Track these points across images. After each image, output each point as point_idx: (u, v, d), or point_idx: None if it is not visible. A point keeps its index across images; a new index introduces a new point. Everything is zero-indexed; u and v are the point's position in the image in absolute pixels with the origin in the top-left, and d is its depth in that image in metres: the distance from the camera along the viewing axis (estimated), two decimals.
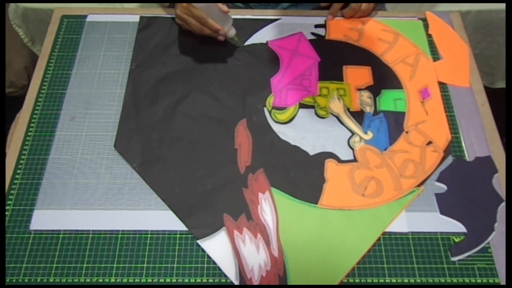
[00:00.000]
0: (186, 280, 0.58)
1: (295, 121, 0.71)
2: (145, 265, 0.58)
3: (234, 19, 0.79)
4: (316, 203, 0.63)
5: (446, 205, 0.63)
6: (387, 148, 0.68)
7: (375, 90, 0.74)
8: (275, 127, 0.70)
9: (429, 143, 0.69)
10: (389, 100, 0.73)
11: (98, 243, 0.60)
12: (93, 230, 0.61)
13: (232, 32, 0.76)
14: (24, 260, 0.59)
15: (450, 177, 0.65)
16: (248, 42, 0.80)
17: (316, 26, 0.82)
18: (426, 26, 0.82)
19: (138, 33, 0.81)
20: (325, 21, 0.83)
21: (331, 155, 0.67)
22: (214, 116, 0.71)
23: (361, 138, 0.69)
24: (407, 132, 0.70)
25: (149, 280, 0.58)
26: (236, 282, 0.57)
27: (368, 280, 0.58)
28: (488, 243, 0.60)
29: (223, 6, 0.72)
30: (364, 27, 0.82)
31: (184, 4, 0.72)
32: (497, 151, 0.68)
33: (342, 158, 0.67)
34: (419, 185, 0.65)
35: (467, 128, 0.70)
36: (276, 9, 0.87)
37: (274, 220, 0.61)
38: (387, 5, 0.95)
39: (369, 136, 0.69)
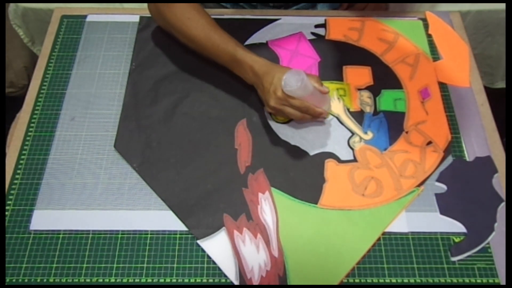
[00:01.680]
0: (186, 280, 0.58)
1: (295, 121, 0.71)
2: (145, 265, 0.58)
3: (234, 19, 0.79)
4: (316, 203, 0.63)
5: (446, 205, 0.63)
6: (387, 148, 0.68)
7: (375, 90, 0.74)
8: (275, 127, 0.70)
9: (429, 143, 0.69)
10: (389, 100, 0.73)
11: (98, 243, 0.60)
12: (93, 230, 0.61)
13: (330, 107, 0.70)
14: (24, 260, 0.59)
15: (450, 177, 0.65)
16: (249, 42, 0.80)
17: (316, 26, 0.82)
18: (426, 26, 0.82)
19: (138, 33, 0.81)
20: (325, 20, 0.83)
21: (331, 155, 0.67)
22: (214, 116, 0.71)
23: (361, 138, 0.69)
24: (407, 132, 0.70)
25: (149, 280, 0.58)
26: (236, 282, 0.57)
27: (368, 280, 0.58)
28: (488, 243, 0.60)
29: (324, 88, 0.65)
30: (364, 27, 0.82)
31: (280, 94, 0.63)
32: (497, 151, 0.68)
33: (342, 158, 0.67)
34: (419, 185, 0.65)
35: (467, 128, 0.70)
36: (288, 10, 0.88)
37: (274, 220, 0.61)
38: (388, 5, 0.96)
39: (369, 136, 0.69)
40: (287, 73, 0.61)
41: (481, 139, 0.69)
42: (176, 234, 0.61)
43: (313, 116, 0.66)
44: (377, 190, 0.64)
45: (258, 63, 0.66)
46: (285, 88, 0.61)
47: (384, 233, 0.61)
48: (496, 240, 0.60)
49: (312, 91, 0.62)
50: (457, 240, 0.60)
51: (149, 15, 0.82)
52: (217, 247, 0.59)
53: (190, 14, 0.69)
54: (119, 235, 0.61)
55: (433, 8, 0.89)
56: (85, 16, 0.83)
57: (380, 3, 0.91)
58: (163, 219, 0.62)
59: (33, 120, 0.70)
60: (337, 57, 0.78)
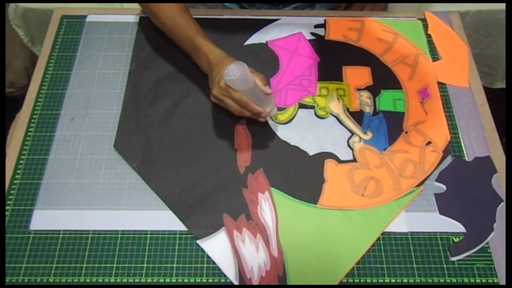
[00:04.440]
0: (186, 280, 0.58)
1: (295, 121, 0.71)
2: (145, 265, 0.59)
3: (234, 19, 0.79)
4: (315, 203, 0.63)
5: (445, 205, 0.63)
6: (387, 148, 0.68)
7: (374, 90, 0.74)
8: (275, 128, 0.70)
9: (429, 143, 0.69)
10: (388, 100, 0.73)
11: (98, 243, 0.60)
12: (93, 230, 0.61)
13: (273, 112, 0.68)
14: (24, 260, 0.59)
15: (450, 177, 0.65)
16: (248, 42, 0.80)
17: (316, 26, 0.82)
18: (425, 26, 0.82)
19: (138, 33, 0.81)
20: (325, 21, 0.83)
21: (331, 155, 0.67)
22: (214, 116, 0.71)
23: (360, 138, 0.69)
24: (406, 132, 0.70)
25: (149, 280, 0.58)
26: (236, 282, 0.57)
27: (367, 280, 0.58)
28: (487, 243, 0.60)
29: (266, 89, 0.63)
30: (364, 27, 0.82)
31: (222, 84, 0.63)
32: (496, 151, 0.68)
33: (342, 158, 0.67)
34: (418, 185, 0.65)
35: (466, 128, 0.70)
36: (284, 10, 0.88)
37: (273, 220, 0.61)
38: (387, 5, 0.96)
39: (368, 136, 0.69)
40: (230, 64, 0.61)
41: (481, 139, 0.69)
42: (176, 234, 0.61)
43: (252, 113, 0.65)
44: (377, 190, 0.64)
45: (213, 53, 0.66)
46: (226, 78, 0.61)
47: (383, 233, 0.61)
48: (496, 240, 0.60)
49: (252, 87, 0.62)
50: (456, 240, 0.61)
51: None
52: (216, 247, 0.59)
53: None
54: (119, 235, 0.61)
55: (432, 8, 0.89)
56: (85, 16, 0.83)
57: (378, 4, 0.91)
58: (163, 219, 0.62)
59: (33, 120, 0.71)
60: (336, 58, 0.78)
